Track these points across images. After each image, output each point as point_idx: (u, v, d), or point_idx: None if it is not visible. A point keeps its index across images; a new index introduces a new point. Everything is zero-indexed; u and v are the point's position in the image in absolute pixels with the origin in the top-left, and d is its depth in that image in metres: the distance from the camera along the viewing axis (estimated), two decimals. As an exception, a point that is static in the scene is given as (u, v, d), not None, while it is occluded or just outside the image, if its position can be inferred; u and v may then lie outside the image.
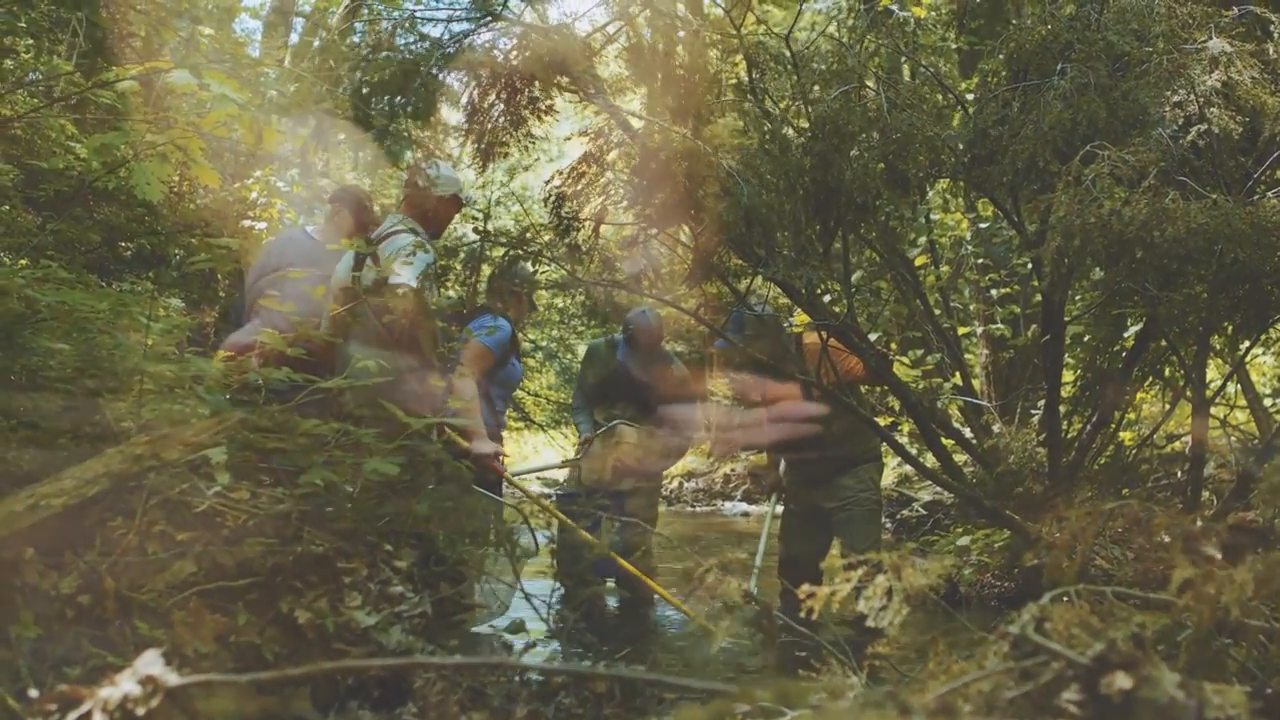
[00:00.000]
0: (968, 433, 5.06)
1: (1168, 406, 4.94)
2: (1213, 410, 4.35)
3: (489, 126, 4.53)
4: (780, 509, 5.32)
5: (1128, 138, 3.50)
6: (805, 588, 1.89)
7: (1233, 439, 4.90)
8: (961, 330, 7.91)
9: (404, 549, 2.63)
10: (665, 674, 2.78)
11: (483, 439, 4.37)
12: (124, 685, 1.26)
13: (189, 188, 6.96)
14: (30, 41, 5.55)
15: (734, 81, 4.80)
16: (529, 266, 5.17)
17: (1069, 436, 4.51)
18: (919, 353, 7.51)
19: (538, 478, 6.02)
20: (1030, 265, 5.28)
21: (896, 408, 9.23)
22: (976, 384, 7.43)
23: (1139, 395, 4.91)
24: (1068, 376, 5.14)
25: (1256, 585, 1.58)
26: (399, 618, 2.35)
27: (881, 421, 6.58)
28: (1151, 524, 2.09)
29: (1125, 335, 4.74)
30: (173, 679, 1.26)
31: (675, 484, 12.97)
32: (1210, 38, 3.57)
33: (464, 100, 4.62)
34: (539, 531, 4.13)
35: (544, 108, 4.56)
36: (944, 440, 4.75)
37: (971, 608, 5.15)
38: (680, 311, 5.07)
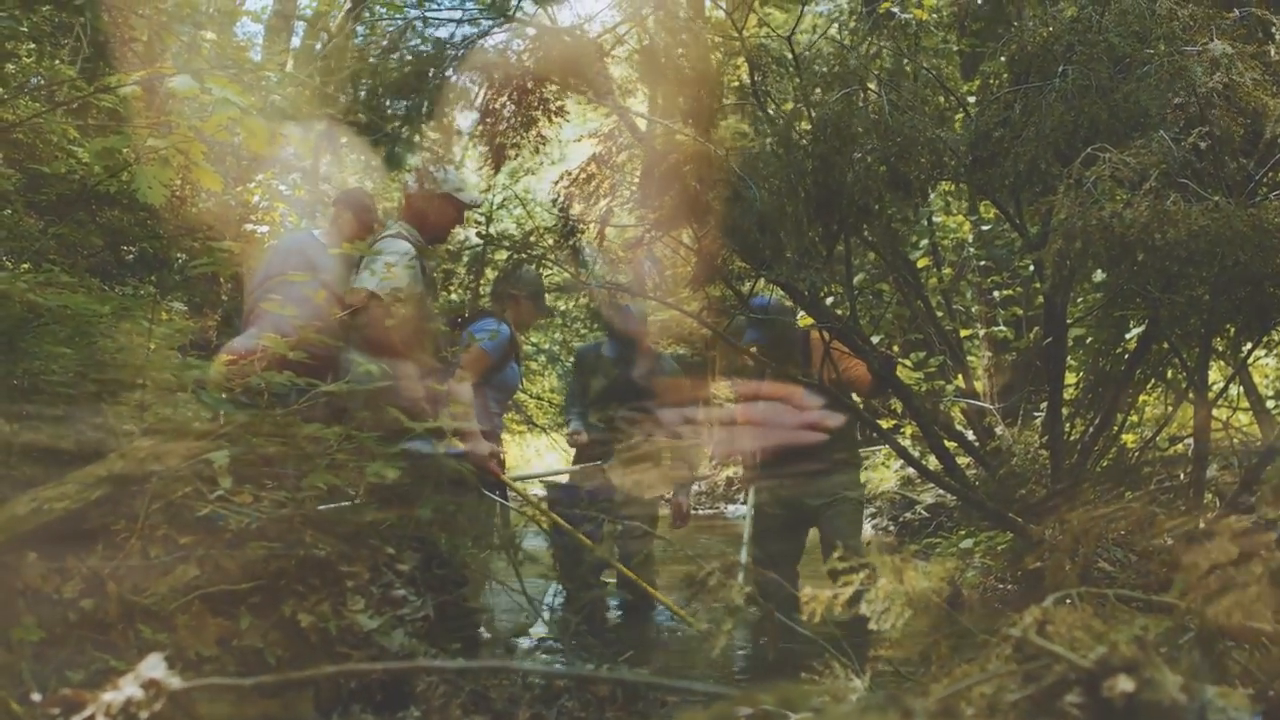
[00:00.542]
0: (970, 435, 5.06)
1: (1170, 409, 4.93)
2: (1215, 412, 4.34)
3: (500, 128, 4.53)
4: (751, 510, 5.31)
5: (1129, 140, 3.49)
6: (808, 591, 1.89)
7: (1235, 441, 4.89)
8: (964, 332, 7.92)
9: (406, 552, 2.63)
10: (667, 677, 2.78)
11: (478, 441, 4.37)
12: (127, 689, 1.26)
13: (191, 192, 6.96)
14: (33, 46, 5.55)
15: (736, 84, 4.80)
16: (533, 270, 5.17)
17: (1071, 439, 4.50)
18: (921, 355, 7.51)
19: (540, 481, 6.02)
20: (1032, 267, 5.28)
21: (899, 410, 9.23)
22: (979, 386, 7.43)
23: (1141, 397, 4.91)
24: (1070, 379, 5.14)
25: (1259, 587, 1.58)
26: (401, 621, 2.35)
27: (884, 424, 6.58)
28: (1154, 526, 2.09)
29: (1127, 337, 4.73)
30: (176, 682, 1.27)
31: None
32: (1212, 40, 3.57)
33: (476, 102, 4.61)
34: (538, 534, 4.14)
35: (554, 109, 4.56)
36: (946, 442, 4.75)
37: (974, 610, 5.14)
38: (683, 314, 5.07)
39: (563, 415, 6.52)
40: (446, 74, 4.75)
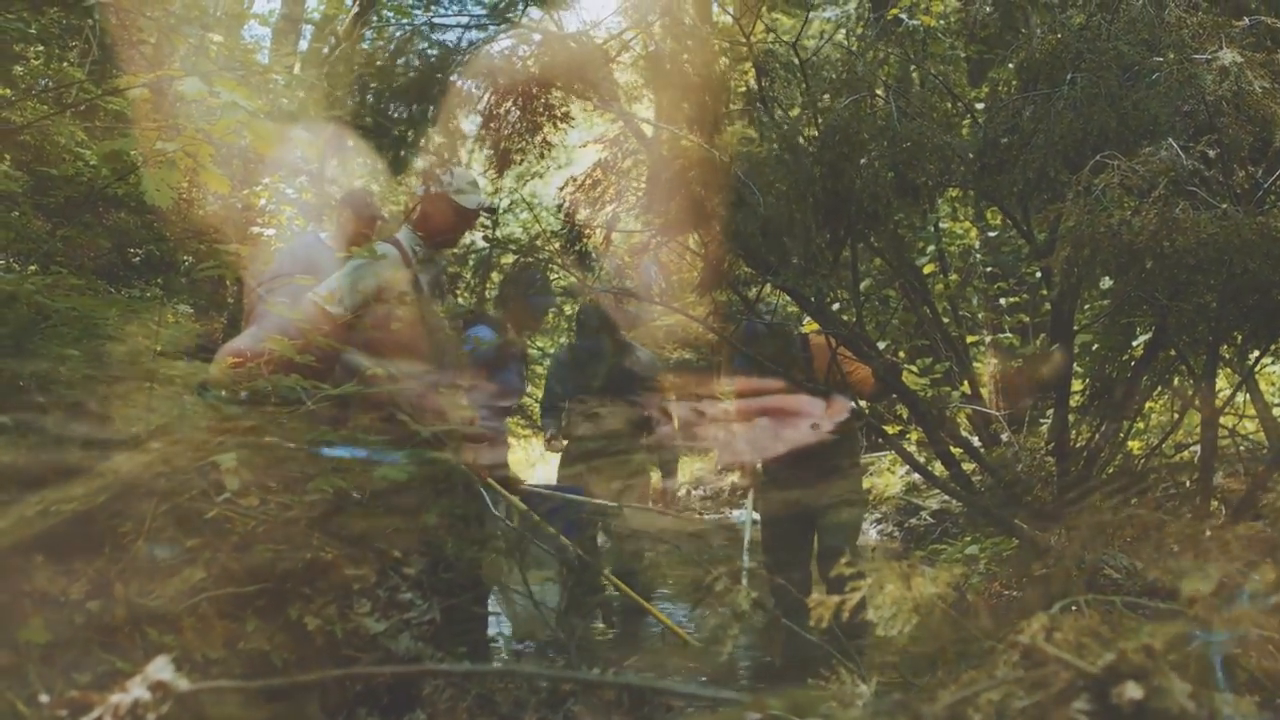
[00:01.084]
0: (976, 441, 5.05)
1: (1177, 415, 4.93)
2: (1222, 420, 4.34)
3: (505, 133, 4.54)
4: (756, 516, 5.32)
5: (1138, 148, 3.49)
6: (815, 596, 1.89)
7: (1242, 448, 4.88)
8: (970, 339, 7.91)
9: (412, 556, 2.63)
10: (673, 681, 2.78)
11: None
12: (134, 691, 1.26)
13: (198, 194, 6.97)
14: (41, 48, 5.57)
15: (742, 90, 4.81)
16: (533, 273, 5.18)
17: (1078, 445, 4.50)
18: (928, 361, 7.51)
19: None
20: (1039, 274, 5.27)
21: (905, 415, 9.23)
22: (985, 392, 7.42)
23: (1148, 404, 4.90)
24: (1076, 385, 5.13)
25: (1265, 595, 1.58)
26: (408, 625, 2.35)
27: (890, 429, 6.57)
28: (1161, 533, 2.08)
29: (1134, 344, 4.73)
30: (183, 685, 1.27)
31: (683, 491, 12.91)
32: (1220, 48, 3.56)
33: (481, 106, 4.62)
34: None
35: (560, 115, 4.57)
36: (952, 449, 4.75)
37: (980, 616, 5.12)
38: (689, 319, 5.08)
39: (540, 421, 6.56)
40: (452, 79, 4.77)
